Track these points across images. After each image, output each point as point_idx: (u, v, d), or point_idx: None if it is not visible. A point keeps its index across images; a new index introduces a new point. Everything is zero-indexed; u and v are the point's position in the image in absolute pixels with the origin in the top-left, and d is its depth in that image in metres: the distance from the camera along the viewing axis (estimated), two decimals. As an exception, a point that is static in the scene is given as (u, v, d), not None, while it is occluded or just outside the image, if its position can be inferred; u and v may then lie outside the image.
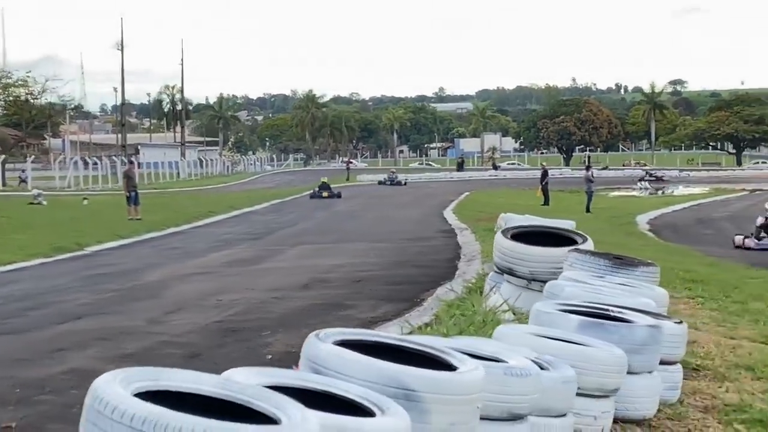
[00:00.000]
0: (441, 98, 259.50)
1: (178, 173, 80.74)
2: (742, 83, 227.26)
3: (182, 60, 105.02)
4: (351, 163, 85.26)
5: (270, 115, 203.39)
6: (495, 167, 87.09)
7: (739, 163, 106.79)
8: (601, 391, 5.18)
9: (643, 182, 63.96)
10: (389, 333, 5.36)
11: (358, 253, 18.22)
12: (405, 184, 62.43)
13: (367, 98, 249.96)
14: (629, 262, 7.94)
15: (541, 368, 4.67)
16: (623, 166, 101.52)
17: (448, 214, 31.13)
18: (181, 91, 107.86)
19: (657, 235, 27.82)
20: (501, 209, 20.12)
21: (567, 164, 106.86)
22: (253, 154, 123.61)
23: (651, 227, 30.73)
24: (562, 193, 49.85)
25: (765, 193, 54.56)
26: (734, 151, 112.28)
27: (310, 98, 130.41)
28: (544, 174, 45.34)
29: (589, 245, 8.73)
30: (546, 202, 41.73)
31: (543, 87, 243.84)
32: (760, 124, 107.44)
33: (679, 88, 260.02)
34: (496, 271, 8.91)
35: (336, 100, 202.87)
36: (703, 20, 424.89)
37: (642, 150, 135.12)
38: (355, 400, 3.52)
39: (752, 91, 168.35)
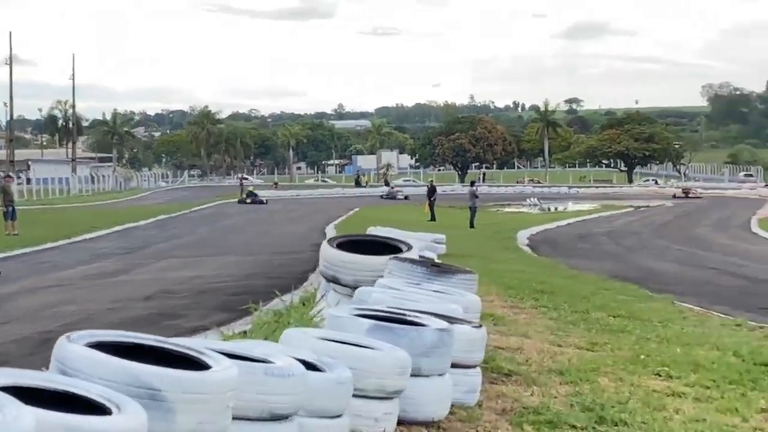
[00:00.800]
0: (341, 115, 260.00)
1: (69, 189, 79.43)
2: (636, 102, 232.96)
3: (73, 75, 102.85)
4: (245, 179, 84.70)
5: (168, 131, 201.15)
6: (387, 184, 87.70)
7: (630, 181, 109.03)
8: (382, 393, 5.27)
9: (532, 199, 65.13)
10: (149, 335, 5.41)
11: (220, 266, 18.29)
12: (266, 202, 61.38)
13: (267, 115, 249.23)
14: (447, 269, 8.15)
15: (319, 370, 4.78)
16: (517, 183, 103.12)
17: (330, 229, 31.26)
18: (73, 106, 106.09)
19: (534, 249, 28.31)
20: (384, 224, 20.26)
21: (462, 180, 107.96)
22: (149, 170, 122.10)
23: (530, 242, 31.25)
24: (452, 209, 50.33)
25: (649, 210, 56.08)
26: (626, 168, 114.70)
27: (205, 114, 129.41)
28: (432, 190, 45.87)
29: (413, 253, 8.90)
30: (432, 218, 42.13)
31: (442, 105, 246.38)
32: (650, 142, 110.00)
33: (575, 106, 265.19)
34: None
35: (234, 116, 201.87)
36: (597, 41, 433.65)
37: (537, 167, 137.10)
38: (95, 400, 3.54)
39: (645, 110, 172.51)
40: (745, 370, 8.64)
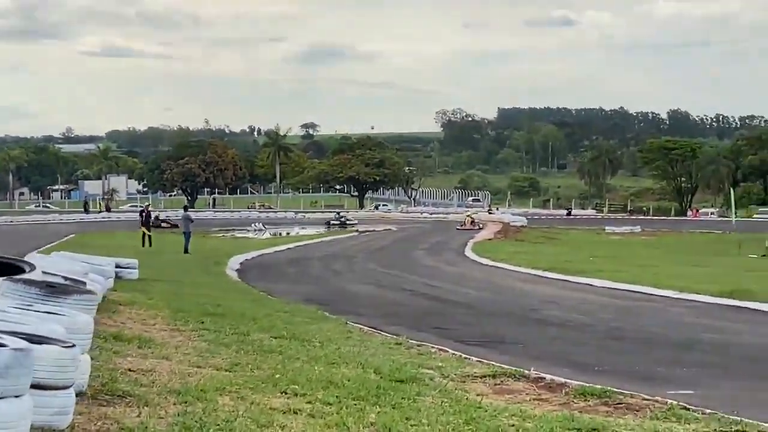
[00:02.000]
0: (69, 139, 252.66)
1: None
2: (372, 128, 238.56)
3: None
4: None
5: None
6: (108, 209, 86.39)
7: (361, 206, 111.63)
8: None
9: (257, 224, 65.64)
10: None
11: None
12: None
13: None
14: (62, 290, 8.06)
15: None
16: (248, 207, 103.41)
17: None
18: None
19: (241, 274, 28.46)
20: (92, 250, 19.86)
21: (192, 206, 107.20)
22: None
23: (241, 267, 31.38)
24: (175, 234, 49.72)
25: (374, 234, 57.53)
26: (356, 193, 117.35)
27: None
28: (148, 215, 45.31)
29: (36, 275, 8.76)
30: (149, 244, 41.61)
31: (175, 129, 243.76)
32: (381, 167, 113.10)
33: (311, 131, 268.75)
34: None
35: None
36: (334, 66, 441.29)
37: (271, 192, 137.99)
38: None
39: (381, 135, 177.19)
40: (377, 386, 8.98)
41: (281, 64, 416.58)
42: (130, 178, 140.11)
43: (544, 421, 7.81)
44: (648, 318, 18.23)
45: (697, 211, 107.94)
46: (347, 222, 70.09)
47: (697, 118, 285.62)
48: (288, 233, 61.11)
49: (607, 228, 70.85)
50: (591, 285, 25.43)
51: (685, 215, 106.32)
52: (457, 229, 61.81)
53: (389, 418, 7.52)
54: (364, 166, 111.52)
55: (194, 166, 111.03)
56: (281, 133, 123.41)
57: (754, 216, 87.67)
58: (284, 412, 7.59)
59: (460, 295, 22.56)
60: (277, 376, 9.09)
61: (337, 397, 8.34)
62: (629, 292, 23.44)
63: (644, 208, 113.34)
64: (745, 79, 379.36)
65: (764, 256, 42.35)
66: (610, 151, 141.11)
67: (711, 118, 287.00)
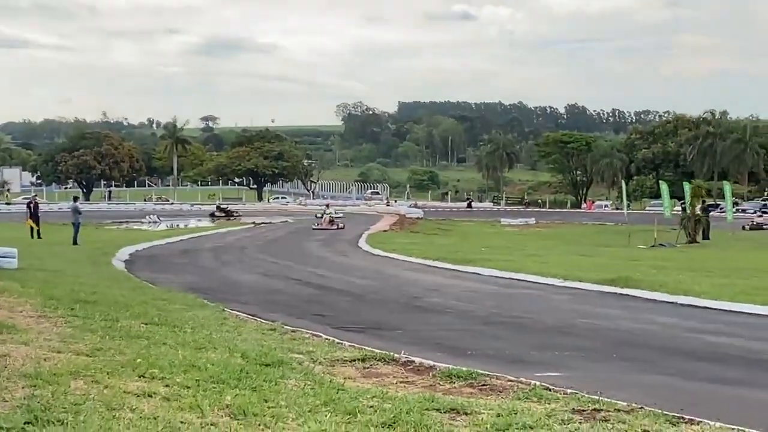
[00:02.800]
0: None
1: None
2: (273, 121, 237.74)
3: None
4: None
5: None
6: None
7: (260, 198, 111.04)
8: None
9: (152, 216, 64.97)
10: None
11: None
12: None
13: None
14: None
15: None
16: (145, 200, 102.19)
17: None
18: None
19: (129, 264, 28.03)
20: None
21: (87, 198, 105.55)
22: None
23: (129, 257, 30.90)
24: (66, 226, 48.83)
25: (270, 226, 57.26)
26: (255, 186, 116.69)
27: None
28: (36, 207, 44.39)
29: None
30: (38, 235, 40.88)
31: (72, 121, 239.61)
32: (279, 160, 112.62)
33: (211, 124, 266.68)
34: None
35: None
36: (233, 59, 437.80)
37: (169, 185, 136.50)
38: None
39: (282, 128, 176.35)
40: (241, 370, 8.88)
41: (180, 56, 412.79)
42: (24, 170, 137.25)
43: (403, 401, 7.80)
44: (528, 305, 18.43)
45: (592, 203, 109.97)
46: (231, 213, 69.68)
47: (594, 113, 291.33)
48: (186, 225, 60.51)
49: (502, 220, 71.68)
50: (478, 274, 25.63)
51: (580, 208, 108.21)
52: (313, 228, 51.91)
53: (245, 400, 7.44)
54: (262, 159, 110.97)
55: (89, 159, 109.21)
56: (179, 126, 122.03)
57: (647, 208, 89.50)
58: (138, 396, 7.46)
59: (345, 283, 22.54)
60: (139, 360, 8.93)
61: (196, 380, 8.23)
62: (514, 281, 23.68)
63: (539, 201, 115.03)
64: (641, 75, 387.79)
65: (653, 246, 43.26)
66: (508, 145, 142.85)
67: (607, 112, 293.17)
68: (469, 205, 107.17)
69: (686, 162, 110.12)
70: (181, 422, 6.70)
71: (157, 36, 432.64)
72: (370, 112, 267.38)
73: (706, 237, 48.40)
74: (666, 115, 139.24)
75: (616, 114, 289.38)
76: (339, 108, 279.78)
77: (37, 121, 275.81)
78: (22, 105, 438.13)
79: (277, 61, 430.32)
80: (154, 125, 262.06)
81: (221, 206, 73.83)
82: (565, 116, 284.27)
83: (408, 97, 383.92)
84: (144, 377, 8.25)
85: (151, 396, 7.53)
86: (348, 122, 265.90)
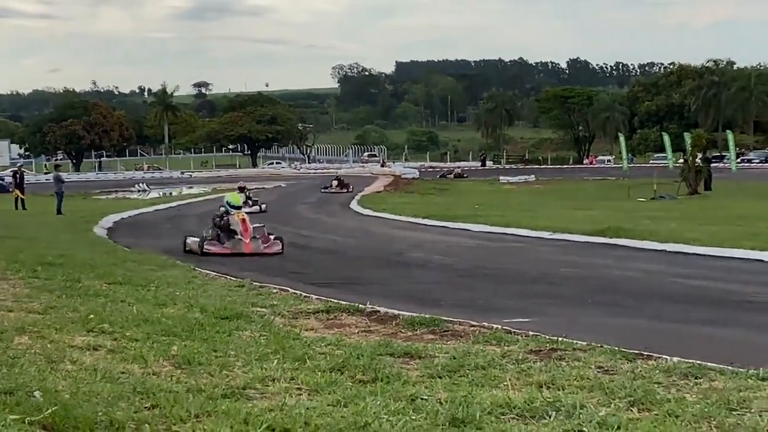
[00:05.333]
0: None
1: None
2: (267, 85, 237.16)
3: None
4: None
5: None
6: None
7: (254, 165, 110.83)
8: None
9: (141, 185, 65.14)
10: None
11: None
12: None
13: None
14: None
15: None
16: (136, 169, 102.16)
17: None
18: None
19: (111, 231, 28.07)
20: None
21: (78, 169, 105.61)
22: None
23: (113, 225, 30.95)
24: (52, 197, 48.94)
25: (263, 191, 57.23)
26: (249, 152, 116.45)
27: None
28: (21, 178, 44.43)
29: None
30: (22, 206, 40.99)
31: (61, 91, 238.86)
32: (272, 124, 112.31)
33: (204, 90, 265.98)
34: None
35: None
36: (223, 23, 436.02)
37: (162, 154, 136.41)
38: None
39: (277, 93, 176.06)
40: (197, 322, 8.91)
41: (169, 22, 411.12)
42: (12, 142, 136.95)
43: (357, 348, 7.81)
44: (513, 257, 18.47)
45: (594, 158, 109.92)
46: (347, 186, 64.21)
47: (597, 67, 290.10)
48: (180, 192, 60.65)
49: (501, 178, 71.63)
50: (467, 230, 25.64)
51: (582, 164, 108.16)
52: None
53: (192, 350, 7.45)
54: (255, 124, 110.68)
55: (78, 128, 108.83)
56: (169, 91, 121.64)
57: (651, 162, 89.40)
58: (83, 349, 7.47)
59: (328, 242, 22.58)
60: (91, 316, 8.94)
61: (147, 334, 8.25)
62: (504, 235, 23.73)
63: (540, 158, 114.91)
64: (644, 27, 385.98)
65: (653, 198, 43.26)
66: (508, 102, 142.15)
67: (611, 66, 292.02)
68: (483, 163, 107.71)
69: (690, 113, 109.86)
70: (122, 372, 6.72)
71: (145, 1, 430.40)
72: (367, 73, 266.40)
73: (708, 188, 48.37)
74: (671, 66, 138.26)
75: (620, 67, 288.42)
76: (335, 70, 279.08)
77: (25, 93, 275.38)
78: (10, 76, 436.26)
79: (270, 24, 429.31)
80: (146, 93, 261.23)
81: (340, 178, 57.84)
82: (567, 71, 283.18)
83: (405, 56, 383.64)
84: (93, 332, 8.26)
85: (96, 349, 7.54)
86: (344, 84, 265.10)
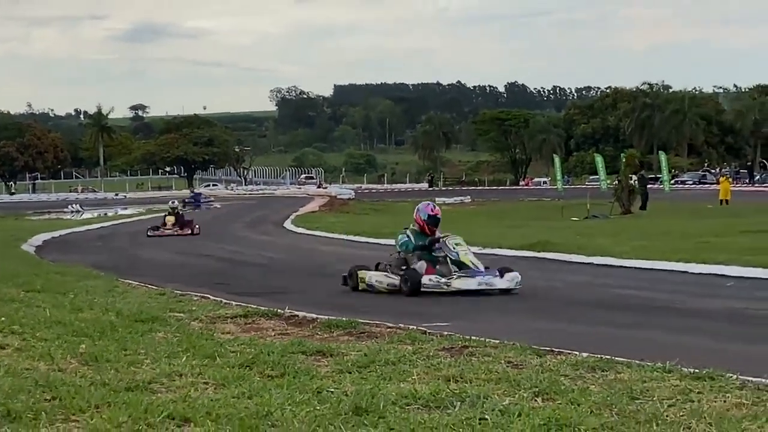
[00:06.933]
0: None
1: None
2: (205, 108, 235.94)
3: None
4: None
5: None
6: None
7: (190, 186, 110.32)
8: None
9: (74, 205, 64.70)
10: None
11: None
12: None
13: None
14: None
15: None
16: (70, 191, 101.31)
17: None
18: None
19: (40, 249, 27.89)
20: None
21: (11, 192, 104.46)
22: None
23: (43, 243, 30.66)
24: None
25: (196, 212, 56.95)
26: (185, 174, 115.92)
27: None
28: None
29: None
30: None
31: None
32: (209, 146, 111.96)
33: (140, 113, 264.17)
34: None
35: None
36: (161, 45, 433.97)
37: (97, 176, 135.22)
38: None
39: (215, 115, 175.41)
40: (110, 325, 8.87)
41: (106, 44, 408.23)
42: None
43: (269, 347, 7.81)
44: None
45: (531, 180, 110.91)
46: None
47: (534, 91, 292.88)
48: (115, 213, 60.17)
49: (437, 199, 71.76)
50: (397, 246, 25.65)
51: (519, 185, 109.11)
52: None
53: (100, 349, 7.42)
54: (192, 146, 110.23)
55: (11, 150, 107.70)
56: (104, 113, 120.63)
57: (586, 183, 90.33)
58: (-7, 352, 7.42)
59: (257, 257, 22.57)
60: (2, 319, 8.86)
61: (57, 334, 8.21)
62: (433, 251, 23.73)
63: (477, 180, 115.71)
64: (581, 51, 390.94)
65: (586, 218, 43.64)
66: (445, 124, 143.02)
67: (548, 90, 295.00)
68: (431, 184, 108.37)
69: (625, 136, 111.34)
70: (26, 368, 6.67)
71: (80, 23, 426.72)
72: (305, 96, 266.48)
73: (643, 208, 48.84)
74: (607, 90, 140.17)
75: (557, 91, 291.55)
76: (273, 93, 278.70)
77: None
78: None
79: (208, 46, 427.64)
80: (82, 115, 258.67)
81: (178, 212, 37.49)
82: (505, 95, 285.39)
83: (344, 79, 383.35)
84: (1, 332, 8.20)
85: (2, 348, 7.50)
86: (282, 107, 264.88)
